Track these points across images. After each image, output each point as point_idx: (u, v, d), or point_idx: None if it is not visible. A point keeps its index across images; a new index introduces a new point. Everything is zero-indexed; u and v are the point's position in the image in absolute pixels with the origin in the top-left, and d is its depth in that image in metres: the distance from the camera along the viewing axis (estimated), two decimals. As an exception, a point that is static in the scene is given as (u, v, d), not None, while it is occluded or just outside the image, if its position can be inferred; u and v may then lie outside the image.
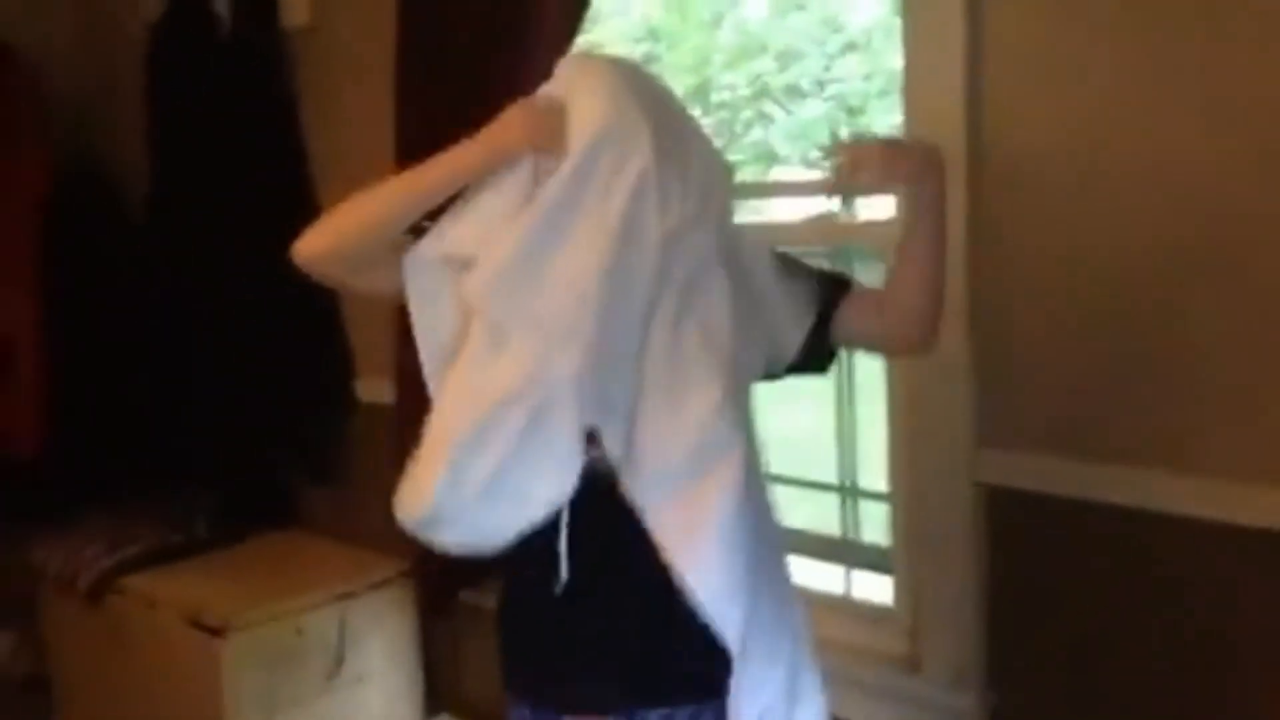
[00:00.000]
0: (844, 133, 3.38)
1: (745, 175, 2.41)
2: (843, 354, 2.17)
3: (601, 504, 1.45)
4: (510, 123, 1.42)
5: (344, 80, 2.82)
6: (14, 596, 3.20)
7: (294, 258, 1.47)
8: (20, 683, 3.33)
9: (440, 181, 1.44)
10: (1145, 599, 1.75)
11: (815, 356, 1.57)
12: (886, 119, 1.94)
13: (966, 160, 1.81)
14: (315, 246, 1.47)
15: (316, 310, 2.89)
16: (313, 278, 1.53)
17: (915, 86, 1.89)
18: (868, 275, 2.11)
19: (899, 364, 2.01)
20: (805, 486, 2.38)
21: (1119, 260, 1.71)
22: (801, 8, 2.76)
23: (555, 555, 1.49)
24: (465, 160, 1.44)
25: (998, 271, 1.83)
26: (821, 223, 2.11)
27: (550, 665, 1.57)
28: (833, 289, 1.55)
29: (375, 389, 2.84)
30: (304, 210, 2.85)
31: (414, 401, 2.60)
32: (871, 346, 1.66)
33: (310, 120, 2.92)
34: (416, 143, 1.85)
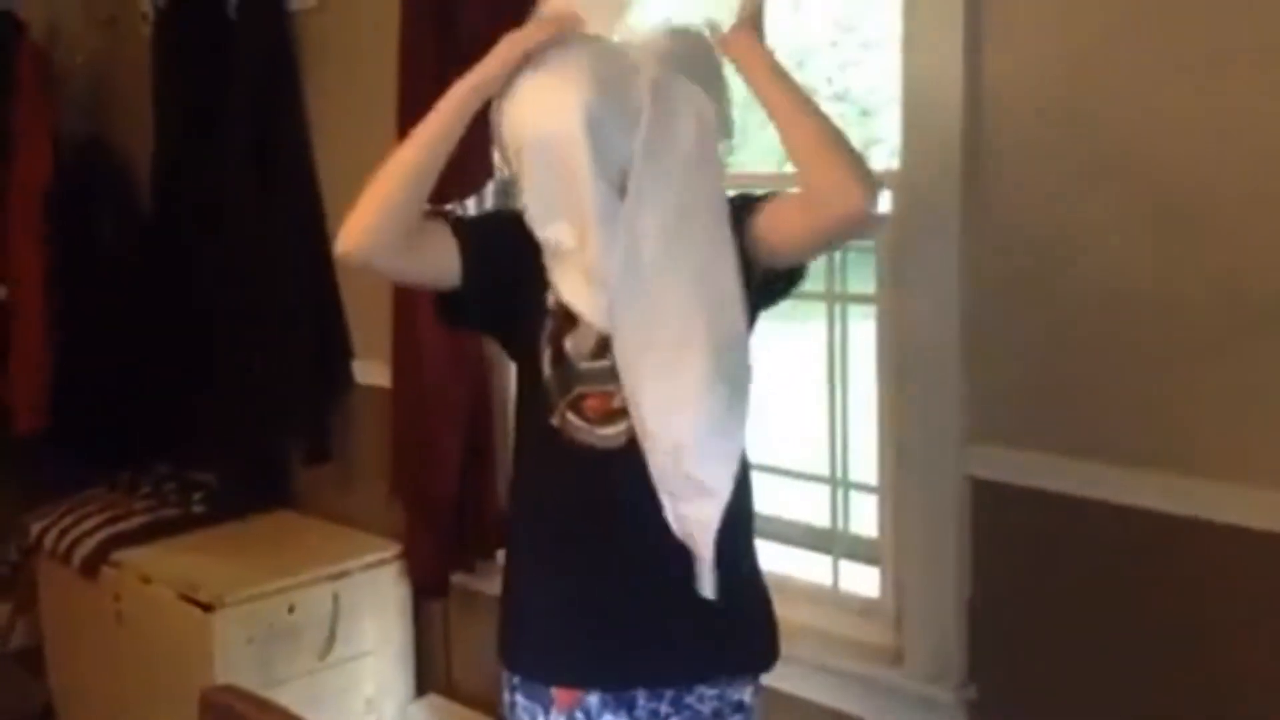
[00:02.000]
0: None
1: (757, 172, 2.43)
2: (835, 346, 2.20)
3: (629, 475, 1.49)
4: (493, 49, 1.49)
5: (350, 61, 2.83)
6: (10, 569, 3.22)
7: (338, 257, 1.48)
8: (15, 655, 3.36)
9: (444, 117, 1.48)
10: (1129, 595, 1.76)
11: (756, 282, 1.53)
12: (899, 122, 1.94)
13: (962, 149, 1.83)
14: (352, 237, 1.47)
15: (314, 290, 2.91)
16: (362, 272, 1.54)
17: (913, 80, 1.90)
18: (864, 271, 2.13)
19: (889, 356, 2.03)
20: (795, 478, 2.40)
21: (1111, 256, 1.72)
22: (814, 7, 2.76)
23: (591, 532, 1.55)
24: (457, 88, 1.48)
25: (990, 264, 1.84)
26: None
27: (601, 642, 1.58)
28: (743, 208, 1.53)
29: (372, 371, 2.86)
30: (308, 191, 2.90)
31: (410, 385, 2.64)
32: (818, 240, 1.54)
33: (316, 101, 2.93)
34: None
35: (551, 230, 1.51)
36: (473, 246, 1.53)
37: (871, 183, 1.40)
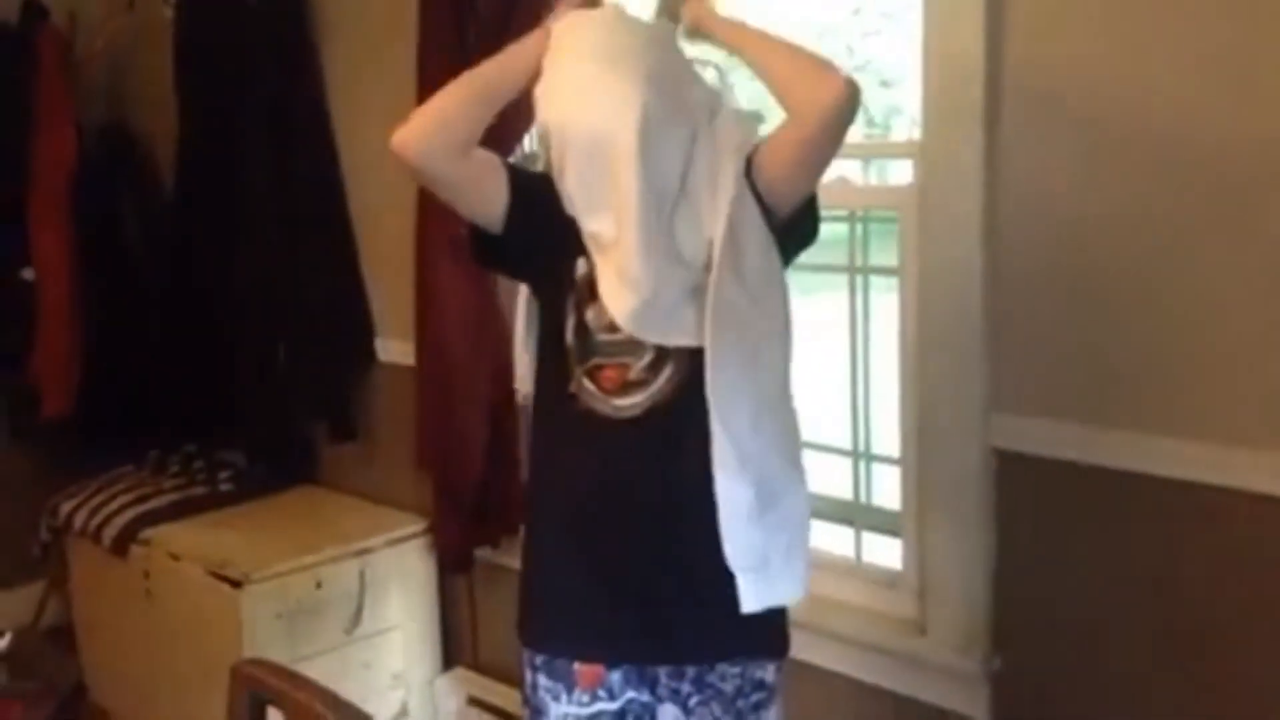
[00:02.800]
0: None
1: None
2: (857, 318, 2.20)
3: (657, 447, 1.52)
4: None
5: (369, 36, 2.83)
6: (41, 549, 3.26)
7: (394, 146, 1.50)
8: (46, 633, 3.41)
9: (528, 49, 1.56)
10: (1155, 565, 1.76)
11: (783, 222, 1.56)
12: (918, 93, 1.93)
13: (984, 119, 1.82)
14: (414, 130, 1.50)
15: (337, 269, 2.93)
16: (410, 170, 1.54)
17: (934, 49, 1.89)
18: (886, 242, 2.12)
19: (912, 328, 2.02)
20: (818, 450, 2.40)
21: (1136, 223, 1.71)
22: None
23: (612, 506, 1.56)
24: (526, 43, 1.56)
25: (1012, 235, 1.83)
26: (838, 186, 2.11)
27: (617, 617, 1.59)
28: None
29: (395, 350, 2.88)
30: (329, 171, 2.91)
31: (434, 362, 2.65)
32: (814, 148, 1.51)
33: (335, 78, 2.94)
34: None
35: (594, 222, 1.52)
36: (521, 192, 1.55)
37: (837, 69, 1.45)
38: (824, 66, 1.45)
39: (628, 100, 1.45)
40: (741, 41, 1.54)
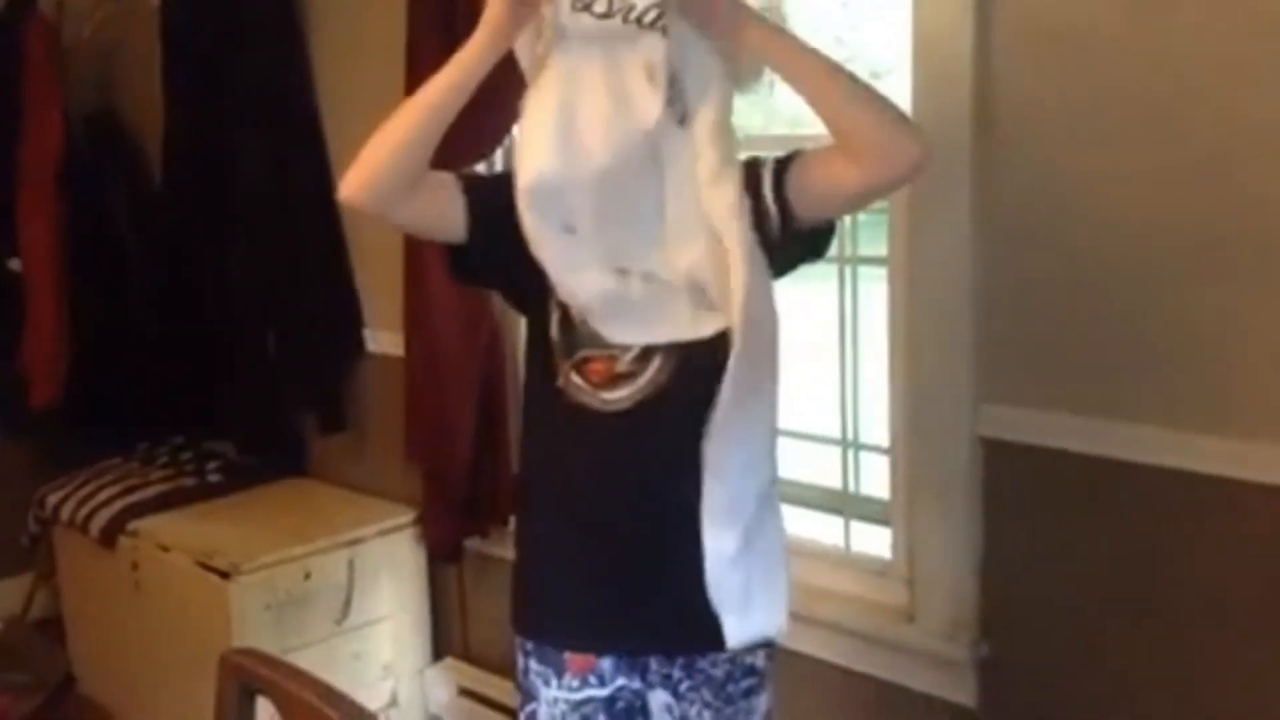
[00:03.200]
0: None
1: (769, 135, 2.43)
2: (846, 308, 2.20)
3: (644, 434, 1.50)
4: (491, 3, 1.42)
5: (357, 22, 2.81)
6: (29, 540, 3.25)
7: (342, 200, 1.47)
8: (35, 625, 3.40)
9: (454, 79, 1.42)
10: (1143, 553, 1.76)
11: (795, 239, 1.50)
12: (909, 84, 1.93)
13: (973, 111, 1.82)
14: (357, 181, 1.46)
15: (325, 260, 2.92)
16: (363, 214, 1.51)
17: (923, 40, 1.89)
18: (876, 233, 2.12)
19: (901, 317, 2.02)
20: (807, 439, 2.40)
21: (1125, 214, 1.71)
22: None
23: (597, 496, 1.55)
24: (467, 50, 1.42)
25: (1002, 225, 1.83)
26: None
27: (600, 608, 1.59)
28: (778, 165, 1.49)
29: (384, 340, 2.87)
30: (317, 158, 2.90)
31: (423, 353, 2.65)
32: (872, 194, 1.50)
33: (323, 65, 2.92)
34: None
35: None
36: (480, 203, 1.51)
37: (917, 130, 1.40)
38: (906, 123, 1.40)
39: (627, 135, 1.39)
40: (800, 67, 1.40)
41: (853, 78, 1.39)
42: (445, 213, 1.51)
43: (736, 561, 1.49)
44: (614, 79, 1.37)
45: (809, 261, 1.57)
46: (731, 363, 1.39)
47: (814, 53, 1.40)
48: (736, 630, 1.51)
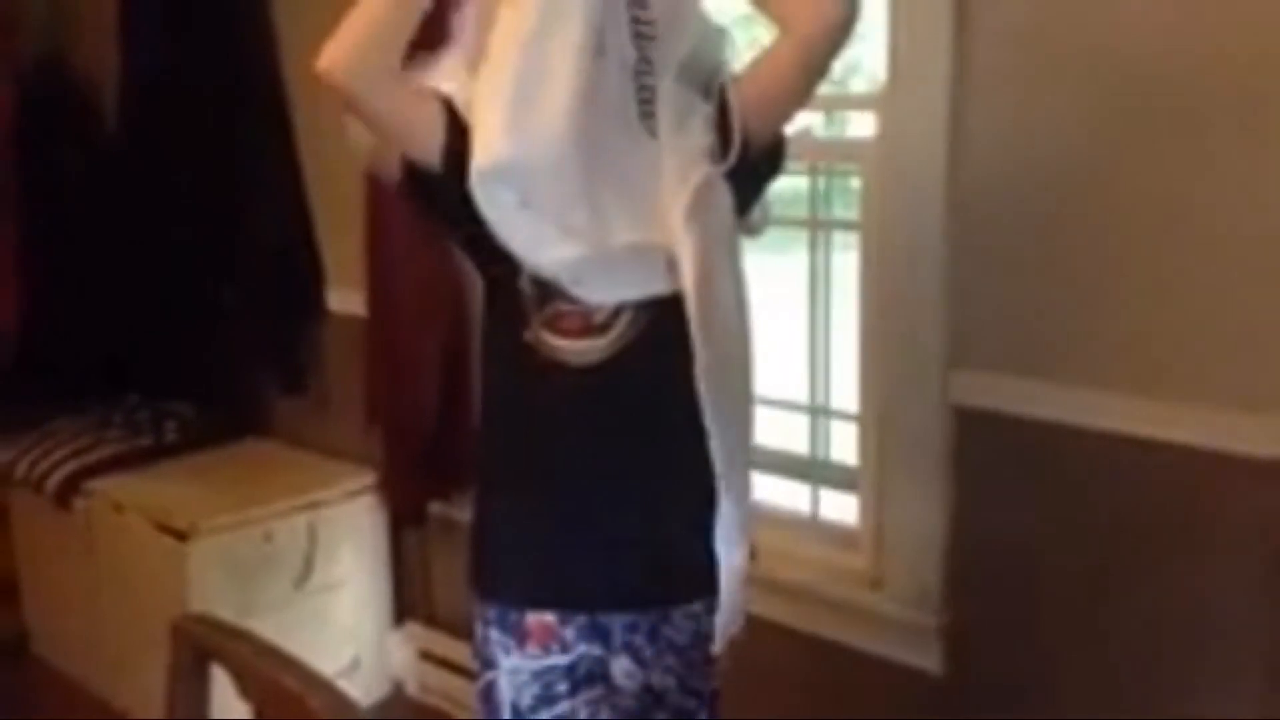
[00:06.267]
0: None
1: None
2: (817, 273, 2.18)
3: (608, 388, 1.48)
4: None
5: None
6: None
7: (319, 70, 1.40)
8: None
9: None
10: (1110, 521, 1.77)
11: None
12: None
13: (949, 73, 1.79)
14: (337, 50, 1.40)
15: (286, 215, 2.85)
16: (340, 94, 1.42)
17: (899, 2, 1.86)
18: (848, 198, 2.10)
19: (872, 283, 2.00)
20: (775, 405, 2.38)
21: (1097, 180, 1.70)
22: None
23: (558, 449, 1.53)
24: None
25: (974, 189, 1.81)
26: (800, 139, 2.08)
27: (567, 562, 1.56)
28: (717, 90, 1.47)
29: (348, 300, 2.81)
30: (278, 110, 2.83)
31: (385, 313, 2.60)
32: (811, 71, 1.45)
33: (286, 13, 2.84)
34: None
35: None
36: (461, 129, 1.43)
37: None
38: None
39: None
40: None
41: None
42: (422, 122, 1.44)
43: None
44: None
45: (771, 179, 1.55)
46: (698, 368, 1.41)
47: None
48: (723, 633, 1.55)
